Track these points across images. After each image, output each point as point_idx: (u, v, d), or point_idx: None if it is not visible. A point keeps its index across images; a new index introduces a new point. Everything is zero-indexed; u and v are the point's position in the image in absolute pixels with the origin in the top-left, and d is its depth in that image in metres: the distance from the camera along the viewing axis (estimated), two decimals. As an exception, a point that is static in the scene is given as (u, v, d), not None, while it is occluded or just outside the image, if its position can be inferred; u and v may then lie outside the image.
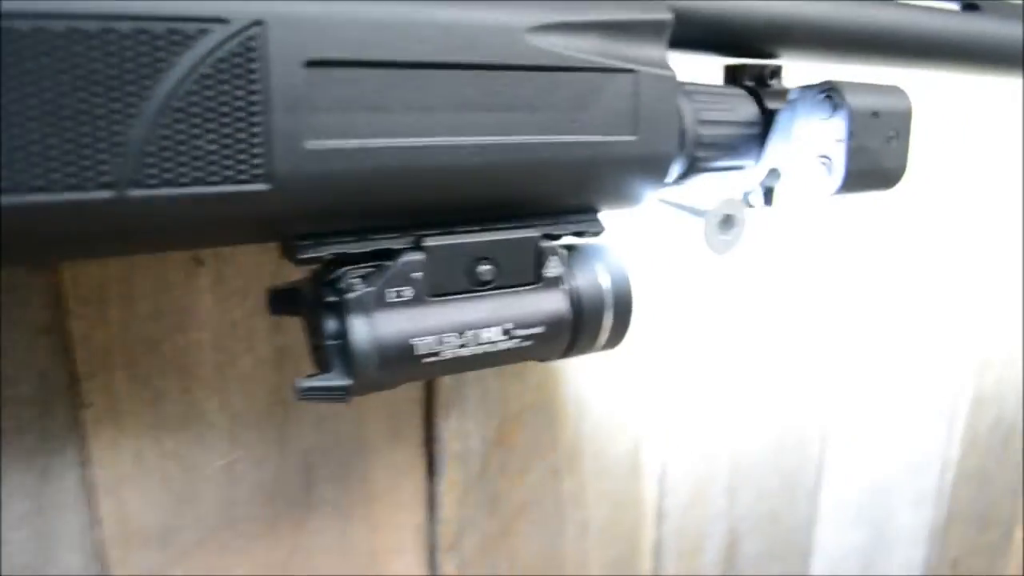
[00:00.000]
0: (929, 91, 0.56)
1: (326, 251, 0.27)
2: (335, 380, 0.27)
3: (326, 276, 0.28)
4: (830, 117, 0.33)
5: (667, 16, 0.31)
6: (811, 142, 0.34)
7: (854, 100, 0.32)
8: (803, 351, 0.59)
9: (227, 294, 0.37)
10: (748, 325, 0.55)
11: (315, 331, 0.29)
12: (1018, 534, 0.87)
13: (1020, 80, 0.59)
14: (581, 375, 0.47)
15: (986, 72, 0.48)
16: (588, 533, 0.50)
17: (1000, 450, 0.80)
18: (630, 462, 0.51)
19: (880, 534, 0.72)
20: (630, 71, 0.30)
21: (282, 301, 0.31)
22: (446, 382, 0.41)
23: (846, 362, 0.62)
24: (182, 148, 0.23)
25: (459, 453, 0.43)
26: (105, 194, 0.22)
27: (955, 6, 0.45)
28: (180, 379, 0.36)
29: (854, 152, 0.32)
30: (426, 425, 0.42)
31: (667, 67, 0.31)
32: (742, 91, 0.37)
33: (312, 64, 0.24)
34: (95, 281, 0.34)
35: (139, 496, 0.37)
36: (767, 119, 0.36)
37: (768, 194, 0.38)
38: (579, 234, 0.32)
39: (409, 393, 0.41)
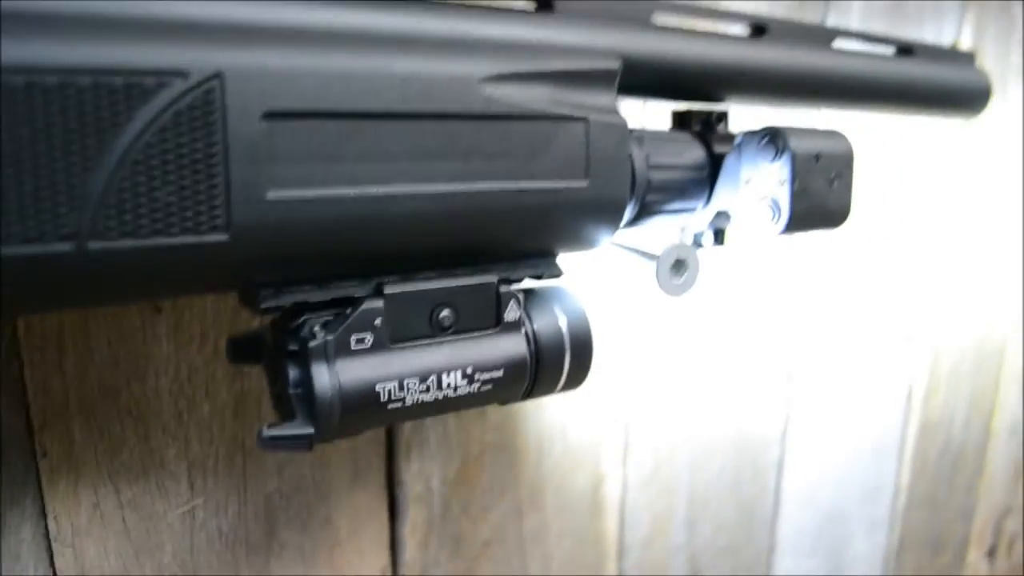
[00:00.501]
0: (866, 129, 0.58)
1: (287, 299, 0.27)
2: (299, 429, 0.27)
3: (287, 324, 0.28)
4: (774, 160, 0.34)
5: (615, 65, 0.32)
6: (757, 185, 0.35)
7: (796, 144, 0.33)
8: (755, 384, 0.60)
9: (186, 341, 0.36)
10: (703, 359, 0.56)
11: (277, 379, 0.29)
12: (970, 556, 0.89)
13: (953, 119, 0.62)
14: (541, 413, 0.47)
15: (920, 113, 0.51)
16: (551, 570, 0.51)
17: (949, 474, 0.82)
18: (591, 498, 0.52)
19: (837, 561, 0.74)
20: (581, 119, 0.30)
21: (242, 349, 0.31)
22: (407, 424, 0.41)
23: (798, 392, 0.64)
24: (141, 200, 0.23)
25: (421, 495, 0.43)
26: (65, 246, 0.22)
27: (890, 51, 0.47)
28: (138, 427, 0.36)
29: (798, 194, 0.34)
30: (388, 467, 0.42)
31: (617, 114, 0.32)
32: (690, 136, 0.38)
33: (271, 115, 0.24)
34: (50, 329, 0.33)
35: (97, 546, 0.36)
36: (714, 162, 0.37)
37: (719, 235, 0.39)
38: (537, 277, 0.33)
39: (370, 435, 0.41)
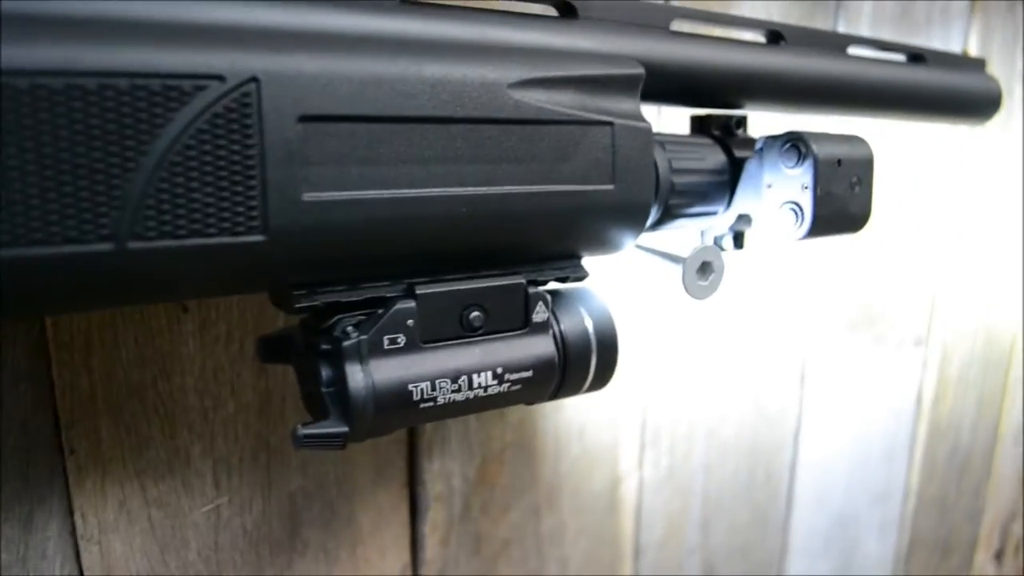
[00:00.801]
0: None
1: (320, 300, 0.28)
2: (333, 427, 0.27)
3: (319, 324, 0.29)
4: (796, 165, 0.34)
5: (639, 71, 0.32)
6: (779, 189, 0.35)
7: (820, 149, 0.34)
8: (769, 387, 0.60)
9: (211, 339, 0.37)
10: (718, 362, 0.56)
11: (309, 379, 0.29)
12: (978, 558, 0.89)
13: (963, 125, 0.63)
14: (559, 414, 0.48)
15: (932, 119, 0.51)
16: (568, 570, 0.51)
17: (958, 478, 0.82)
18: (608, 499, 0.52)
19: (848, 563, 0.74)
20: (607, 123, 0.31)
21: (272, 349, 0.32)
22: (429, 423, 0.42)
23: (811, 395, 0.64)
24: (180, 201, 0.23)
25: (442, 494, 0.43)
26: (105, 246, 0.23)
27: (901, 58, 0.47)
28: (164, 425, 0.37)
29: (821, 199, 0.34)
30: (409, 466, 0.42)
31: (642, 119, 0.32)
32: (710, 140, 0.38)
33: (306, 119, 0.25)
34: (78, 327, 0.34)
35: (124, 544, 0.37)
36: (735, 167, 0.38)
37: (739, 238, 0.40)
38: (563, 279, 0.33)
39: (392, 434, 0.41)
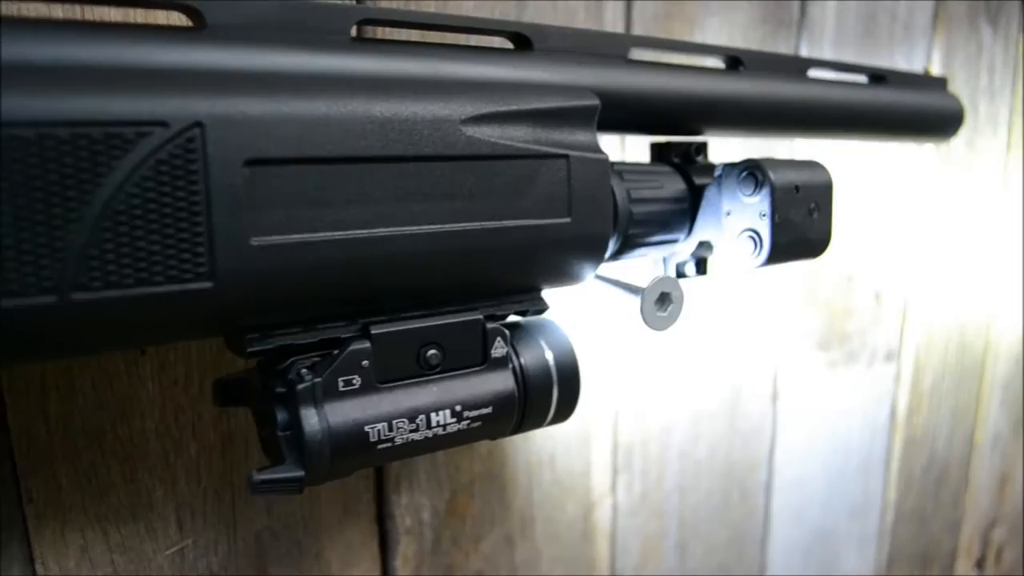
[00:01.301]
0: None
1: (273, 343, 0.27)
2: (289, 472, 0.27)
3: (274, 367, 0.28)
4: (754, 193, 0.34)
5: (594, 102, 0.32)
6: (737, 217, 0.35)
7: (776, 177, 0.34)
8: (742, 406, 0.60)
9: (170, 382, 0.36)
10: (689, 384, 0.56)
11: (265, 422, 0.29)
12: (959, 568, 0.90)
13: (927, 144, 0.63)
14: (530, 444, 0.47)
15: (895, 139, 0.52)
16: (543, 599, 0.51)
17: (935, 489, 0.83)
18: (582, 526, 0.52)
19: (828, 579, 0.74)
20: (562, 156, 0.31)
21: (229, 392, 0.31)
22: (395, 458, 0.41)
23: (784, 412, 0.64)
24: (124, 250, 0.23)
25: (411, 527, 0.43)
26: (48, 299, 0.22)
27: (863, 79, 0.48)
28: (125, 469, 0.36)
29: (778, 226, 0.34)
30: (378, 501, 0.42)
31: (598, 150, 0.32)
32: (670, 168, 0.38)
33: (252, 163, 0.24)
34: (32, 373, 0.33)
35: (84, 593, 0.36)
36: (695, 194, 0.38)
37: (701, 264, 0.40)
38: (522, 312, 0.33)
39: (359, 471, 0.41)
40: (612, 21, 0.45)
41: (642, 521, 0.55)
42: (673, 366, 0.55)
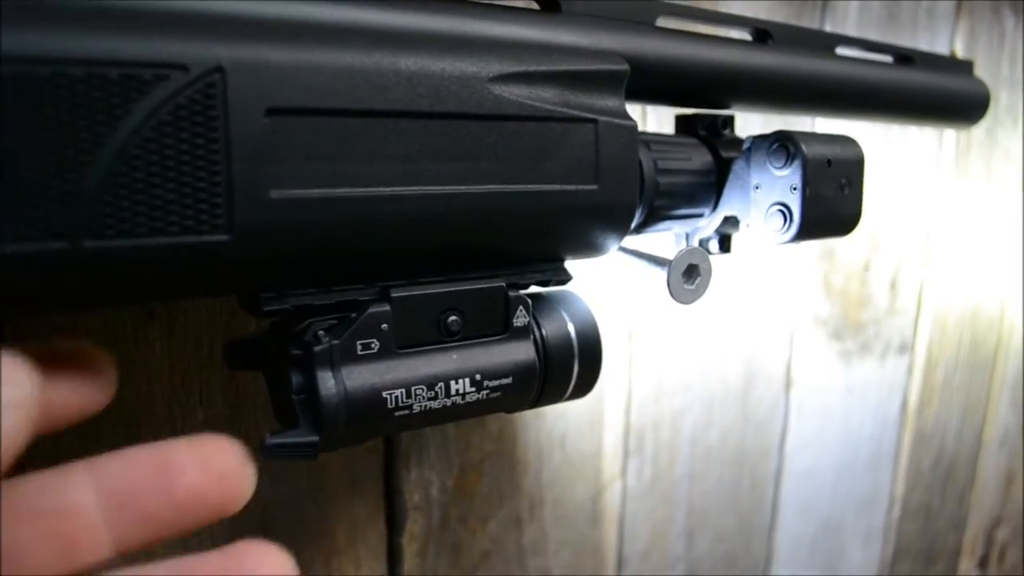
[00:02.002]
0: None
1: (289, 303, 0.27)
2: (303, 436, 0.26)
3: (289, 328, 0.27)
4: (784, 166, 0.33)
5: (624, 67, 0.31)
6: (766, 190, 0.34)
7: (809, 149, 0.33)
8: (754, 393, 0.60)
9: (179, 346, 0.35)
10: (702, 368, 0.56)
11: (279, 385, 0.28)
12: (962, 566, 0.89)
13: (951, 128, 0.62)
14: (541, 423, 0.47)
15: (919, 122, 0.51)
16: (549, 582, 0.50)
17: (942, 485, 0.82)
18: (591, 508, 0.51)
19: (833, 571, 0.73)
20: (591, 120, 0.30)
21: (240, 355, 0.30)
22: (406, 432, 0.40)
23: (797, 402, 0.63)
24: (139, 197, 0.22)
25: (420, 504, 0.42)
26: (58, 244, 0.21)
27: (889, 59, 0.47)
28: (131, 435, 0.35)
29: (810, 200, 0.33)
30: (386, 476, 0.41)
31: (627, 117, 0.31)
32: (696, 140, 0.37)
33: (274, 112, 0.23)
34: (37, 336, 0.32)
35: (83, 561, 0.35)
36: (721, 167, 0.37)
37: (725, 241, 0.39)
38: (545, 283, 0.32)
39: (368, 444, 0.40)
40: (637, -9, 0.44)
41: (651, 506, 0.55)
42: (687, 350, 0.54)
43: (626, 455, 0.52)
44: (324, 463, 0.39)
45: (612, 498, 0.52)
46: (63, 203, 0.21)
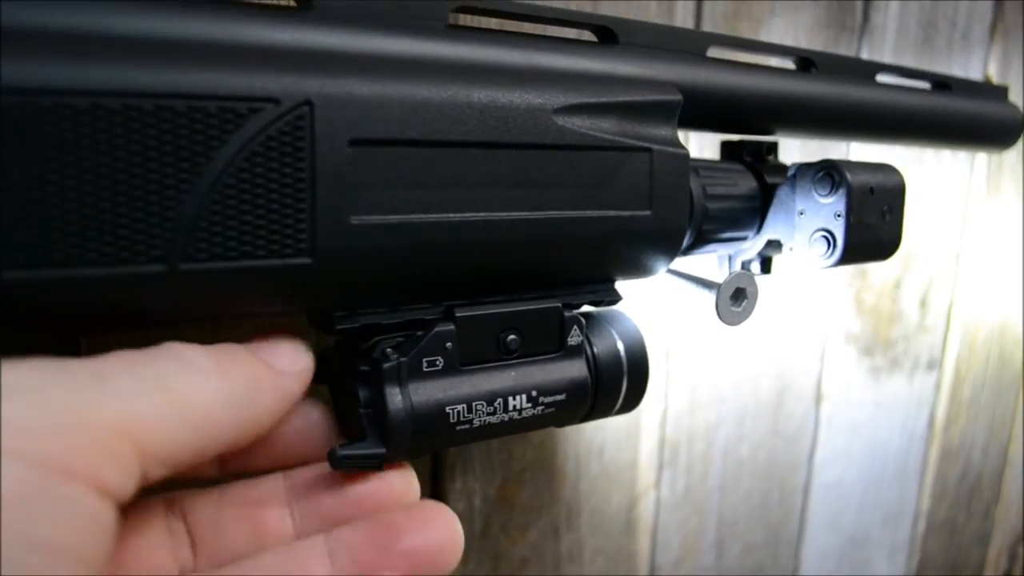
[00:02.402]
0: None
1: (360, 321, 0.28)
2: (371, 448, 0.28)
3: (357, 345, 0.29)
4: (829, 194, 0.35)
5: (678, 97, 0.33)
6: (811, 216, 0.35)
7: (854, 178, 0.34)
8: (786, 406, 0.61)
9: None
10: (736, 379, 0.57)
11: (345, 399, 0.29)
12: (986, 582, 0.90)
13: (985, 152, 0.63)
14: (580, 434, 0.48)
15: (955, 146, 0.52)
16: (584, 590, 0.51)
17: (968, 500, 0.83)
18: (625, 518, 0.52)
19: (858, 585, 0.74)
20: (646, 149, 0.31)
21: None
22: (455, 443, 0.42)
23: (827, 415, 0.64)
24: (231, 223, 0.23)
25: (463, 512, 0.43)
26: (157, 267, 0.23)
27: (926, 85, 0.48)
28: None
29: (853, 227, 0.34)
30: (432, 484, 0.42)
31: (680, 145, 0.32)
32: (742, 166, 0.39)
33: (356, 143, 0.25)
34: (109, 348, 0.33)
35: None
36: (765, 193, 0.38)
37: (766, 263, 0.40)
38: (596, 303, 0.33)
39: (416, 453, 0.41)
40: (683, 18, 0.46)
41: (683, 517, 0.56)
42: (721, 366, 0.55)
43: (661, 467, 0.53)
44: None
45: (646, 508, 0.53)
46: (163, 228, 0.23)
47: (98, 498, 0.19)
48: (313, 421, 0.29)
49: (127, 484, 0.20)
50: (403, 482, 0.29)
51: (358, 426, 0.28)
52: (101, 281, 0.22)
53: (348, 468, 0.28)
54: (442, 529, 0.26)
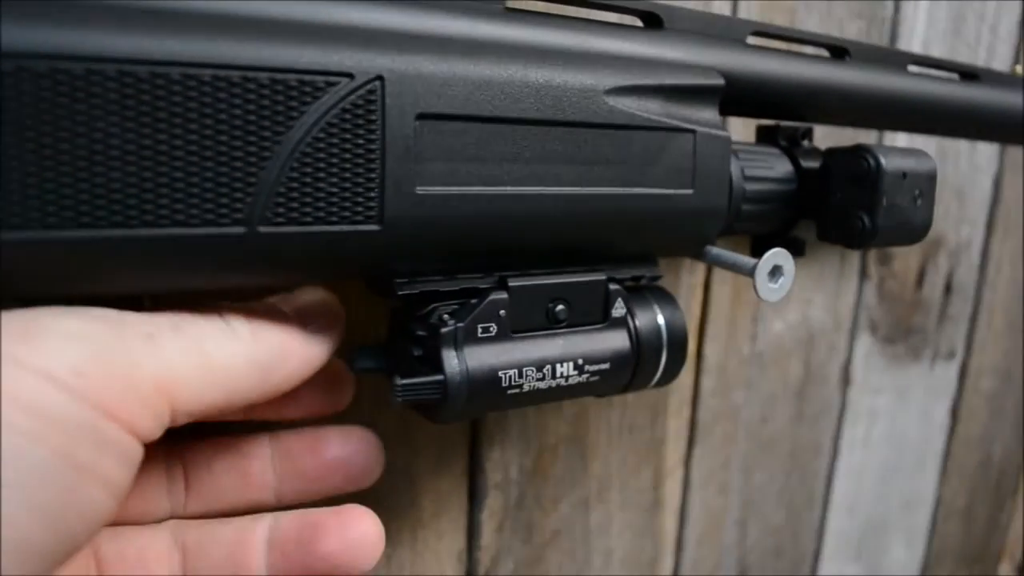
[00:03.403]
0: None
1: (419, 288, 0.30)
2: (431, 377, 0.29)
3: (414, 311, 0.30)
4: (863, 177, 0.36)
5: (720, 81, 0.34)
6: (844, 199, 0.37)
7: (887, 162, 0.35)
8: (814, 387, 0.62)
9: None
10: (764, 365, 0.58)
11: (401, 362, 0.31)
12: (1002, 571, 0.90)
13: (1013, 145, 0.64)
14: (612, 409, 0.49)
15: (983, 138, 0.52)
16: (612, 561, 0.52)
17: (986, 490, 0.83)
18: (653, 495, 0.53)
19: (876, 569, 0.75)
20: (691, 131, 0.33)
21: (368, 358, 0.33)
22: (491, 414, 0.43)
23: (853, 400, 0.65)
24: (307, 190, 0.25)
25: (500, 483, 0.45)
26: (238, 230, 0.24)
27: (955, 76, 0.49)
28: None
29: (886, 210, 0.36)
30: (470, 455, 0.44)
31: (721, 128, 0.34)
32: (778, 150, 0.40)
33: (423, 117, 0.26)
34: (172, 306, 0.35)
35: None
36: (801, 176, 0.39)
37: (800, 245, 0.41)
38: (638, 278, 0.35)
39: (456, 424, 0.43)
40: (719, 6, 0.47)
41: (709, 496, 0.57)
42: (750, 348, 0.56)
43: (689, 445, 0.55)
44: (415, 441, 0.42)
45: (673, 486, 0.55)
46: (244, 192, 0.24)
47: (131, 439, 0.22)
48: (337, 381, 0.34)
49: (155, 430, 0.23)
50: (362, 451, 0.33)
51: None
52: (186, 241, 0.24)
53: (409, 398, 0.29)
54: (360, 532, 0.29)
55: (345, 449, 0.33)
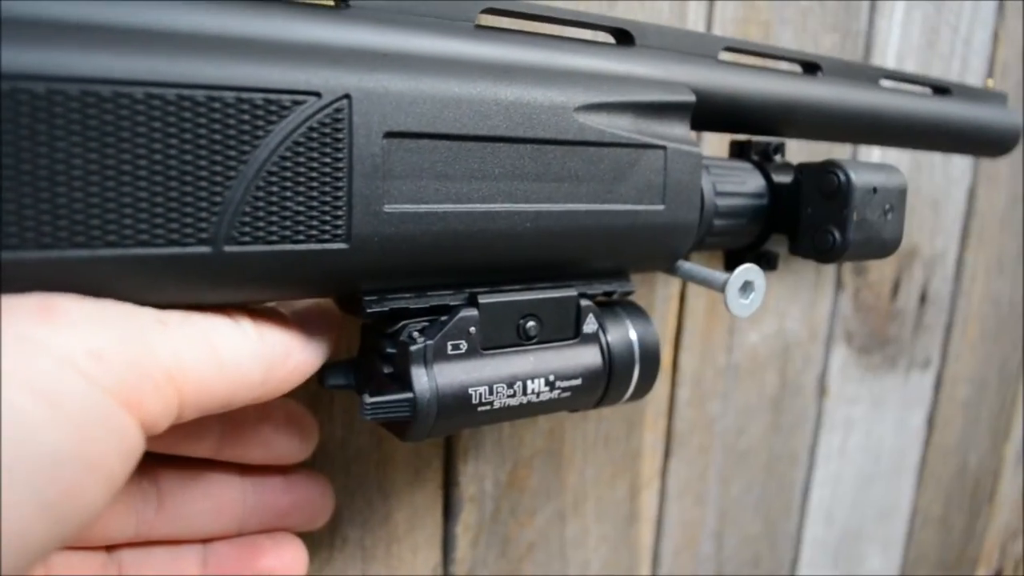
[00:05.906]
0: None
1: (389, 306, 0.29)
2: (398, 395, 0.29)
3: (383, 329, 0.30)
4: (834, 192, 0.36)
5: (691, 98, 0.34)
6: (815, 214, 0.37)
7: (857, 178, 0.36)
8: (787, 402, 0.62)
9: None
10: (742, 369, 0.58)
11: (370, 381, 0.31)
12: (978, 577, 0.91)
13: (983, 157, 0.64)
14: (587, 422, 0.49)
15: (953, 151, 0.53)
16: (588, 574, 0.52)
17: (962, 498, 0.84)
18: (629, 507, 0.53)
19: (853, 577, 0.76)
20: (661, 147, 0.33)
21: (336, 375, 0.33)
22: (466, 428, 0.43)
23: (829, 410, 0.66)
24: (274, 209, 0.25)
25: (474, 496, 0.45)
26: (203, 249, 0.24)
27: (927, 90, 0.49)
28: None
29: (856, 224, 0.36)
30: (445, 469, 0.44)
31: (693, 143, 0.34)
32: (750, 165, 0.40)
33: (391, 135, 0.26)
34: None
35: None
36: (773, 191, 0.39)
37: (772, 259, 0.41)
38: (610, 294, 0.35)
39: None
40: (694, 21, 0.47)
41: (685, 507, 0.57)
42: (726, 360, 0.56)
43: (666, 456, 0.55)
44: (391, 455, 0.42)
45: (649, 498, 0.55)
46: (210, 212, 0.24)
47: (138, 429, 0.22)
48: (305, 428, 0.35)
49: (163, 423, 0.23)
50: (320, 495, 0.35)
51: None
52: (151, 261, 0.24)
53: (378, 416, 0.29)
54: (292, 555, 0.33)
55: (310, 491, 0.35)
